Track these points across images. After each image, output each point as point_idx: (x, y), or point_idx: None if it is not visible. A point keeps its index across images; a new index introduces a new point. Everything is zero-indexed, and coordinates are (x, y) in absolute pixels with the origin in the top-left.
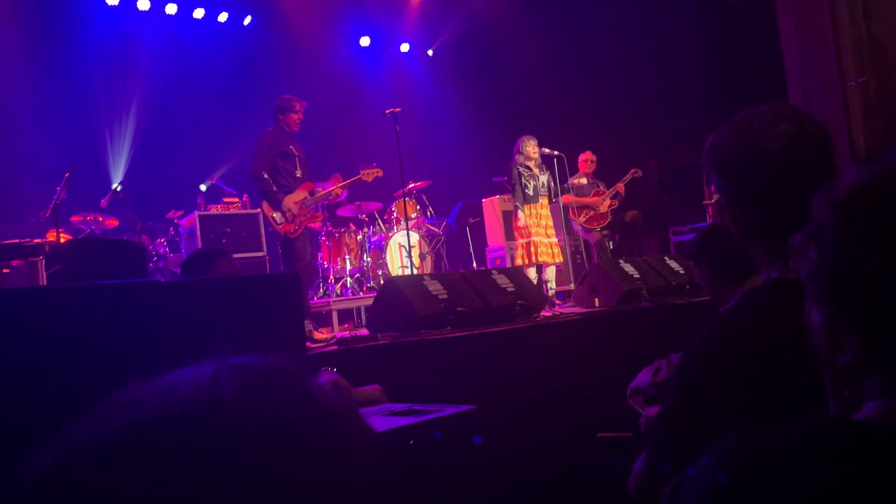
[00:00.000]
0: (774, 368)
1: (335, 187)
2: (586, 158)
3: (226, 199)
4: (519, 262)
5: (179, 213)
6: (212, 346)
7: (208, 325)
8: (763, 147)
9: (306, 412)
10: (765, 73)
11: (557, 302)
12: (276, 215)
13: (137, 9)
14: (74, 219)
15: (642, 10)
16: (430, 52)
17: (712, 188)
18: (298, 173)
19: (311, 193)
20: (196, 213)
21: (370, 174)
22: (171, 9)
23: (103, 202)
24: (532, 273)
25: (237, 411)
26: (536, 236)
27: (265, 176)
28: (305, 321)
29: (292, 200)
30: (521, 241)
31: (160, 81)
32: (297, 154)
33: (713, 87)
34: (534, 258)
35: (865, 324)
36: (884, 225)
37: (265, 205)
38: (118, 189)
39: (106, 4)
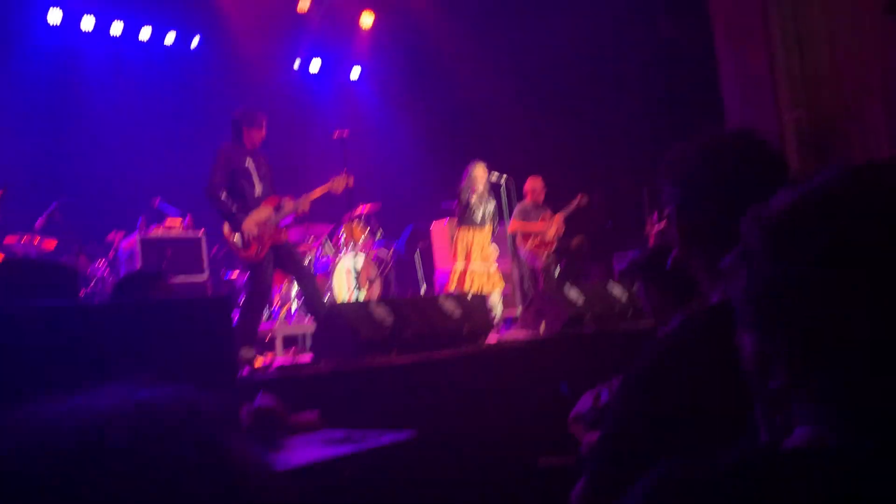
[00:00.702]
0: (711, 395)
1: (304, 198)
2: (533, 186)
3: (168, 221)
4: (453, 287)
5: (120, 234)
6: (134, 372)
7: (131, 350)
8: (721, 163)
9: (204, 458)
10: (705, 105)
11: (503, 328)
12: (237, 238)
13: (81, 29)
14: (8, 240)
15: (588, 39)
16: (367, 78)
17: (655, 215)
18: (258, 190)
19: (277, 209)
20: (137, 235)
21: (340, 181)
22: (115, 29)
23: (39, 223)
24: (496, 299)
25: (125, 455)
26: (474, 263)
27: (223, 196)
28: (247, 347)
29: (253, 221)
30: (458, 265)
31: (104, 101)
32: (254, 170)
33: (656, 116)
34: (468, 286)
35: (795, 349)
36: (811, 247)
37: (225, 227)
38: (56, 210)
39: (48, 24)
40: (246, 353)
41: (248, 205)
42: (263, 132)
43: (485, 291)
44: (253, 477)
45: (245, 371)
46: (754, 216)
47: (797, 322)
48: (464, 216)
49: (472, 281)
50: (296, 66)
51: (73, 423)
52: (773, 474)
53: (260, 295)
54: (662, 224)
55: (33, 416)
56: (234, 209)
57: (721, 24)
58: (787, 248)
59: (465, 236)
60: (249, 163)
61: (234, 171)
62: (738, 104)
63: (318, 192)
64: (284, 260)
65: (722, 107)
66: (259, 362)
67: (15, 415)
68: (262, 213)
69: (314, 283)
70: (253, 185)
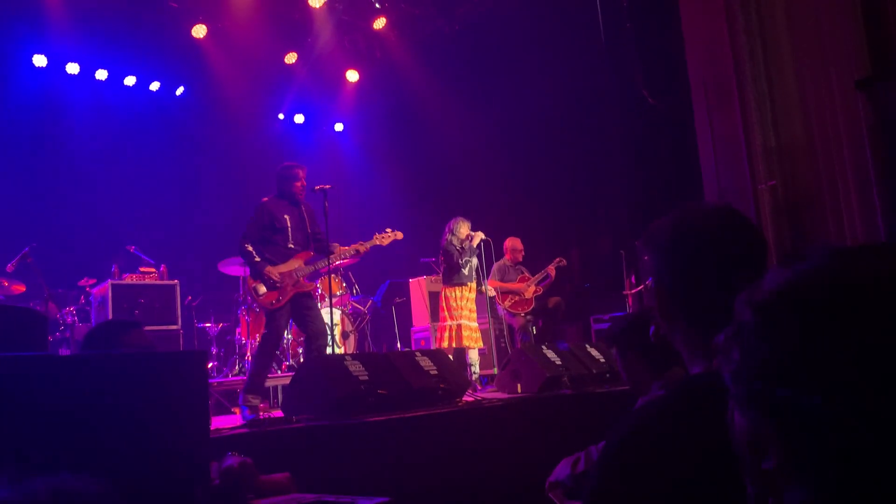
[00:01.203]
0: (693, 471)
1: (352, 248)
2: (512, 247)
3: (142, 269)
4: (445, 343)
5: (92, 281)
6: (103, 426)
7: (103, 403)
8: (696, 238)
9: None
10: (682, 173)
11: (479, 386)
12: (259, 286)
13: (66, 72)
14: None
15: (569, 101)
16: (352, 131)
17: (633, 278)
18: (291, 245)
19: (308, 262)
20: (109, 282)
21: (387, 237)
22: (101, 74)
23: (9, 267)
24: (475, 357)
25: None
26: (464, 319)
27: (249, 248)
28: (253, 394)
29: (277, 270)
30: (448, 322)
31: (83, 145)
32: (289, 225)
33: (634, 181)
34: (457, 342)
35: (789, 430)
36: (804, 329)
37: (249, 278)
38: (28, 253)
39: (33, 65)
40: (252, 399)
41: (277, 258)
42: (303, 182)
43: (471, 347)
44: None
45: (250, 416)
46: (746, 296)
47: (790, 405)
48: (451, 272)
49: (460, 336)
50: (280, 116)
51: None
52: None
53: (271, 342)
54: (640, 287)
55: None
56: (256, 259)
57: (700, 92)
58: (778, 330)
59: (454, 293)
60: (286, 218)
61: (271, 225)
62: (714, 172)
63: (362, 247)
64: (301, 313)
65: (699, 174)
66: (261, 411)
67: None
68: (291, 265)
69: (320, 343)
70: (288, 239)
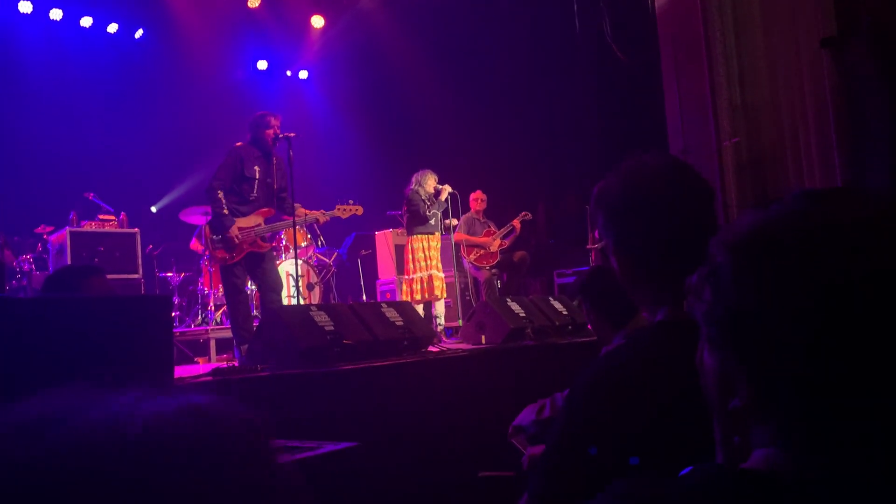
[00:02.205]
0: (659, 413)
1: (312, 215)
2: (477, 197)
3: (101, 216)
4: (417, 296)
5: (50, 228)
6: (66, 370)
7: (64, 347)
8: (649, 195)
9: (261, 473)
10: (648, 128)
11: (444, 338)
12: (217, 238)
13: (18, 10)
14: None
15: (538, 57)
16: (309, 77)
17: (596, 234)
18: (253, 195)
19: (268, 221)
20: (67, 229)
21: (346, 210)
22: (55, 14)
23: None
24: (421, 308)
25: (202, 465)
26: (433, 269)
27: (220, 195)
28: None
29: (238, 226)
30: (419, 274)
31: (41, 89)
32: (257, 177)
33: (600, 136)
34: (429, 293)
35: (759, 368)
36: (779, 268)
37: (206, 227)
38: None
39: None
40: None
41: (243, 210)
42: (273, 131)
43: (439, 298)
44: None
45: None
46: (721, 237)
47: (762, 342)
48: (416, 223)
49: (433, 287)
50: (243, 63)
51: (139, 424)
52: (734, 496)
53: (234, 296)
54: (603, 243)
55: (93, 414)
56: (224, 211)
57: (668, 48)
58: (753, 270)
59: (421, 244)
60: (256, 169)
61: (240, 173)
62: (680, 128)
63: (329, 214)
64: (255, 268)
65: (665, 130)
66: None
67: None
68: (250, 221)
69: (274, 297)
70: (252, 190)
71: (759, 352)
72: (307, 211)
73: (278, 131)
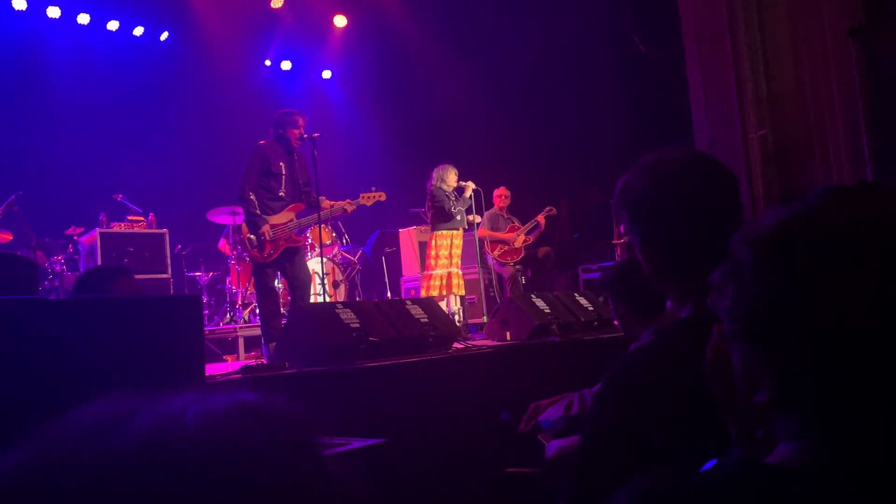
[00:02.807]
0: (685, 408)
1: (338, 205)
2: (501, 194)
3: (130, 218)
4: (435, 292)
5: (80, 229)
6: (98, 370)
7: (98, 347)
8: (674, 190)
9: (312, 467)
10: (673, 121)
11: (469, 334)
12: (252, 238)
13: (47, 16)
14: None
15: (560, 52)
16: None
17: (621, 228)
18: (282, 192)
19: (300, 215)
20: (97, 231)
21: (371, 198)
22: (83, 19)
23: None
24: (458, 306)
25: (258, 460)
26: (454, 266)
27: (251, 196)
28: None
29: (270, 225)
30: (438, 271)
31: (68, 91)
32: (283, 172)
33: (624, 130)
34: (448, 289)
35: (782, 363)
36: (801, 264)
37: (244, 225)
38: (14, 201)
39: (13, 8)
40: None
41: (273, 208)
42: (299, 131)
43: (455, 294)
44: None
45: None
46: (743, 234)
47: (785, 337)
48: (440, 220)
49: (451, 285)
50: (267, 63)
51: (192, 422)
52: (762, 491)
53: (265, 295)
54: (628, 237)
55: (146, 416)
56: (257, 211)
57: (692, 40)
58: (775, 266)
59: (445, 241)
60: (282, 165)
61: (267, 170)
62: (705, 121)
63: (342, 205)
64: (287, 265)
65: (690, 122)
66: (255, 359)
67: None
68: (283, 218)
69: (303, 294)
70: (280, 186)
71: (782, 347)
72: (332, 202)
73: (304, 132)
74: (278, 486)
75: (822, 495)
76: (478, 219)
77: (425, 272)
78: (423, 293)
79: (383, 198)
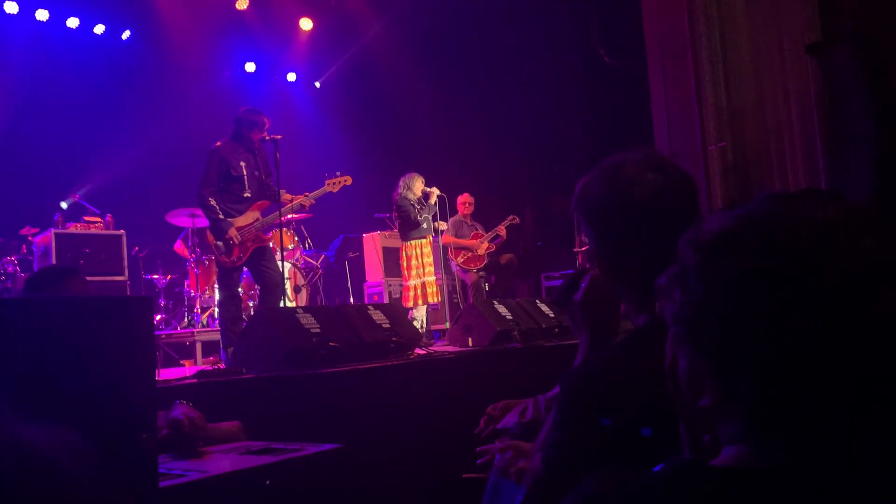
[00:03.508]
0: (642, 412)
1: (297, 200)
2: (465, 201)
3: (87, 218)
4: (410, 304)
5: (35, 230)
6: (44, 372)
7: (41, 348)
8: (631, 196)
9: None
10: (635, 131)
11: (431, 340)
12: (221, 244)
13: (4, 11)
14: None
15: (526, 60)
16: (317, 84)
17: (583, 236)
18: (247, 192)
19: (266, 213)
20: (52, 231)
21: (337, 183)
22: (41, 15)
23: None
24: (422, 312)
25: None
26: (427, 276)
27: (212, 202)
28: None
29: (236, 228)
30: (413, 282)
31: (25, 89)
32: (245, 172)
33: (588, 139)
34: (423, 299)
35: (724, 367)
36: (743, 268)
37: (209, 233)
38: None
39: None
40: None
41: (238, 209)
42: (263, 135)
43: (430, 303)
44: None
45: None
46: (689, 238)
47: (727, 341)
48: (408, 228)
49: (427, 294)
50: (231, 66)
51: None
52: (702, 492)
53: (229, 297)
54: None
55: None
56: (220, 216)
57: (654, 52)
58: (718, 269)
59: (415, 251)
60: (243, 165)
61: (227, 173)
62: (667, 132)
63: (313, 196)
64: (257, 265)
65: (652, 133)
66: (212, 364)
67: None
68: (248, 218)
69: (275, 297)
70: (244, 188)
71: (724, 349)
72: (292, 196)
73: (266, 133)
74: None
75: (760, 497)
76: (443, 226)
77: (403, 283)
78: (404, 304)
79: (349, 181)
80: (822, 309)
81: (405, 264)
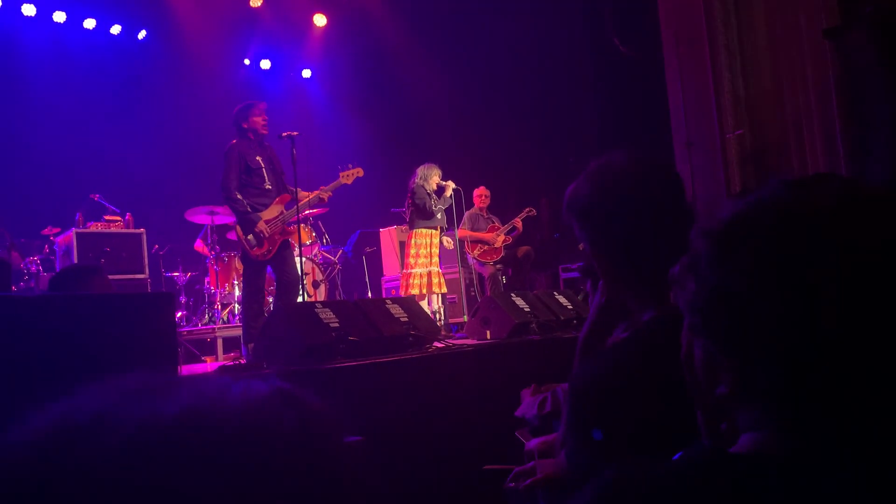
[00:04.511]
0: (657, 403)
1: (314, 195)
2: (481, 193)
3: (107, 217)
4: (415, 291)
5: (56, 230)
6: (69, 367)
7: (68, 343)
8: (619, 195)
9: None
10: (652, 121)
11: (449, 333)
12: (251, 238)
13: (22, 13)
14: None
15: (540, 51)
16: (322, 80)
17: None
18: (268, 185)
19: (288, 206)
20: (73, 231)
21: (350, 175)
22: (59, 17)
23: None
24: (424, 303)
25: (289, 446)
26: (434, 265)
27: (238, 196)
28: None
29: (264, 221)
30: (418, 270)
31: (44, 90)
32: (262, 165)
33: (604, 130)
34: (428, 289)
35: (740, 355)
36: (756, 255)
37: (238, 229)
38: None
39: None
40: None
41: (263, 202)
42: (264, 117)
43: (435, 293)
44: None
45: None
46: (701, 227)
47: (742, 328)
48: (420, 217)
49: (432, 284)
50: (246, 62)
51: (236, 399)
52: (721, 479)
53: (252, 293)
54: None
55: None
56: (248, 210)
57: (670, 41)
58: (731, 257)
59: (424, 239)
60: (259, 159)
61: (246, 167)
62: (683, 120)
63: (329, 188)
64: (278, 262)
65: (668, 122)
66: (233, 359)
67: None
68: (273, 211)
69: (292, 295)
70: (264, 180)
71: (739, 336)
72: (308, 193)
73: (265, 117)
74: (302, 472)
75: (781, 484)
76: (449, 245)
77: (404, 271)
78: (402, 292)
79: (361, 173)
80: (837, 294)
81: (413, 252)
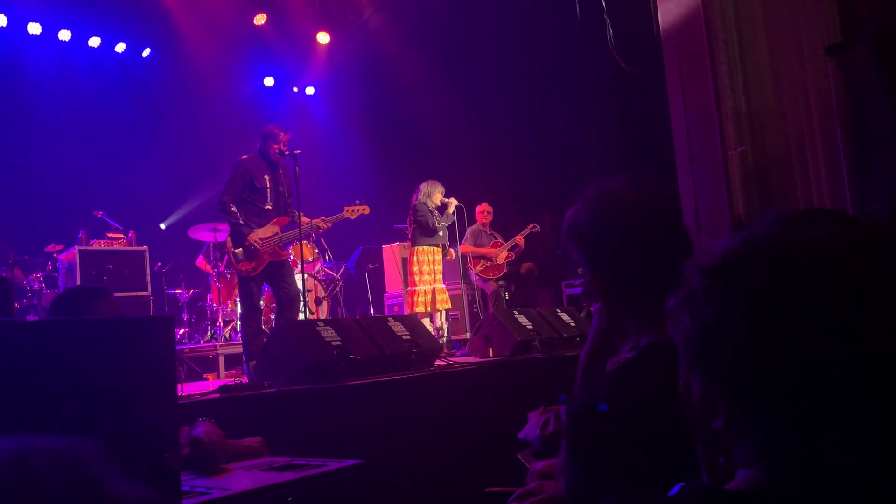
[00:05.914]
0: (656, 434)
1: (313, 223)
2: (483, 210)
3: (110, 235)
4: (420, 308)
5: (59, 247)
6: (68, 393)
7: (66, 369)
8: (617, 218)
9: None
10: (653, 137)
11: (452, 350)
12: (239, 251)
13: (28, 32)
14: None
15: (543, 67)
16: (327, 96)
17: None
18: (268, 206)
19: (284, 229)
20: (76, 248)
21: (355, 211)
22: (64, 35)
23: None
24: (428, 321)
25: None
26: (437, 282)
27: (233, 209)
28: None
29: (257, 236)
30: (421, 287)
31: (49, 108)
32: (268, 186)
33: (606, 145)
34: (432, 306)
35: (735, 389)
36: (750, 290)
37: (228, 240)
38: None
39: None
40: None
41: (259, 220)
42: (281, 146)
43: (439, 310)
44: None
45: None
46: (695, 262)
47: (737, 364)
48: (423, 234)
49: (436, 301)
50: (250, 80)
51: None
52: None
53: (250, 312)
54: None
55: None
56: (241, 222)
57: (672, 57)
58: (725, 293)
59: (427, 256)
60: (266, 179)
61: (250, 184)
62: (685, 137)
63: (331, 220)
64: (275, 279)
65: (670, 138)
66: (234, 378)
67: None
68: (267, 231)
69: (292, 311)
70: (265, 200)
71: (734, 374)
72: (308, 219)
73: (284, 147)
74: None
75: None
76: (451, 255)
77: (409, 288)
78: (407, 310)
79: (367, 211)
80: (832, 333)
81: (416, 269)
